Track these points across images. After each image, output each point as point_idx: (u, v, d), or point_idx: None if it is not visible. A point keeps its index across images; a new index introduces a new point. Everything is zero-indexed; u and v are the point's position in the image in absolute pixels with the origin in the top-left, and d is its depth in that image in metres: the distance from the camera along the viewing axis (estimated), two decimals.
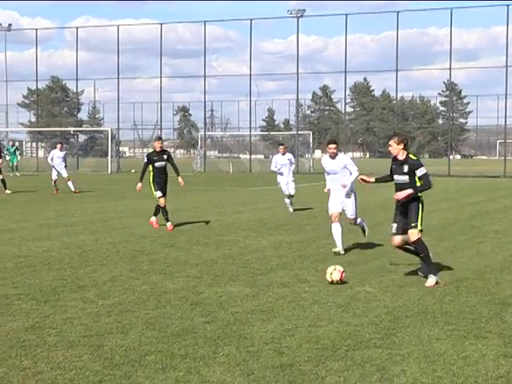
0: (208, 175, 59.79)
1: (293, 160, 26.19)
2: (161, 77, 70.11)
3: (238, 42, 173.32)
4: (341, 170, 15.28)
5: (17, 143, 64.11)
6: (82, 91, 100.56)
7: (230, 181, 49.67)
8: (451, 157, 72.27)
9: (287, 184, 24.94)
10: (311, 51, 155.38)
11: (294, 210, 24.75)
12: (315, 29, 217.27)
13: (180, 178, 19.92)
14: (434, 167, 45.65)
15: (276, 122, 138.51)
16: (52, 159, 34.85)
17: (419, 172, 11.98)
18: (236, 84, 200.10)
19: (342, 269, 11.87)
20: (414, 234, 11.98)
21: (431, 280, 11.72)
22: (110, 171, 62.82)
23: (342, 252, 15.08)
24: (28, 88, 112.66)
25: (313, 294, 11.02)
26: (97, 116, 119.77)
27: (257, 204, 28.71)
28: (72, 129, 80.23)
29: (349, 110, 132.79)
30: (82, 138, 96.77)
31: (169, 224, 19.55)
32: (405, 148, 12.22)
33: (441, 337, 8.51)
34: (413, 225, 11.99)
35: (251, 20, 68.37)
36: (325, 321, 9.25)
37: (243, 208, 26.54)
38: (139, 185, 19.64)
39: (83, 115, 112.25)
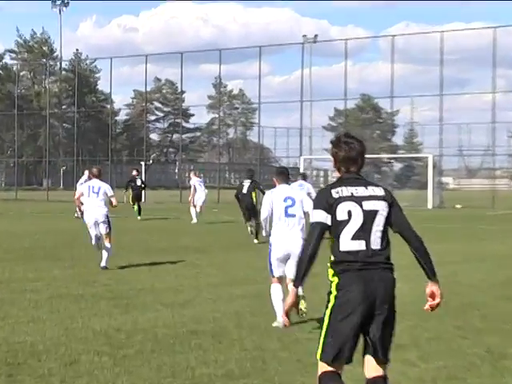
0: None
1: None
2: (494, 92, 44.59)
3: None
4: None
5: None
6: (397, 111, 68.86)
7: None
8: None
9: None
10: None
11: None
12: None
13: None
14: None
15: None
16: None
17: None
18: None
19: None
20: None
21: None
22: (430, 206, 41.11)
23: None
24: (335, 108, 72.01)
25: None
26: (414, 140, 75.95)
27: None
28: (386, 156, 58.72)
29: None
30: (397, 166, 63.63)
31: None
32: None
33: None
34: None
35: None
36: None
37: None
38: None
39: (398, 139, 76.74)
